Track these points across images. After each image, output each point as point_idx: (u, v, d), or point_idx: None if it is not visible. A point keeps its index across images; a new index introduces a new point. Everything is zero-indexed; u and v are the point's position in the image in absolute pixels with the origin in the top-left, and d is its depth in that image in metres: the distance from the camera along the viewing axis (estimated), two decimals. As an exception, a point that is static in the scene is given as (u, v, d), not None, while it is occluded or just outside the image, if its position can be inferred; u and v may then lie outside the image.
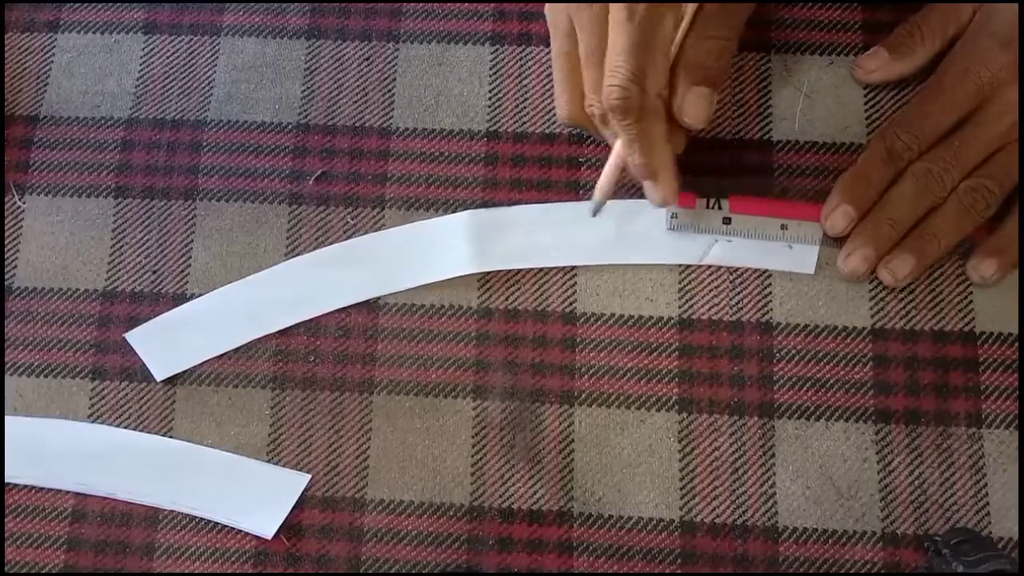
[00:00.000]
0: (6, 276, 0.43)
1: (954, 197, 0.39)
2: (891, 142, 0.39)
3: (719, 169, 0.43)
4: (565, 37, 0.39)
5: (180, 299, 0.43)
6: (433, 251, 0.42)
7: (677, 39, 0.35)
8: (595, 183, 0.40)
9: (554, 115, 0.44)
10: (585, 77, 0.37)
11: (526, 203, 0.43)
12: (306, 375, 0.41)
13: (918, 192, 0.39)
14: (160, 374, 0.41)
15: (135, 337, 0.42)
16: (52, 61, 0.46)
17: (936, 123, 0.39)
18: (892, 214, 0.39)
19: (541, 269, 0.42)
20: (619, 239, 0.42)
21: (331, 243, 0.43)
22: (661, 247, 0.41)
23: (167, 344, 0.41)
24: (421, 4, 0.46)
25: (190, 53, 0.46)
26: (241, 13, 0.47)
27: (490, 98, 0.45)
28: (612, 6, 0.34)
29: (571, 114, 0.39)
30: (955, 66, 0.39)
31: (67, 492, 0.41)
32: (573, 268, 0.42)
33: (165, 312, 0.42)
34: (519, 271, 0.42)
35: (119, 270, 0.43)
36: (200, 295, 0.43)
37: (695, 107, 0.36)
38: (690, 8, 0.35)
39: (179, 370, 0.41)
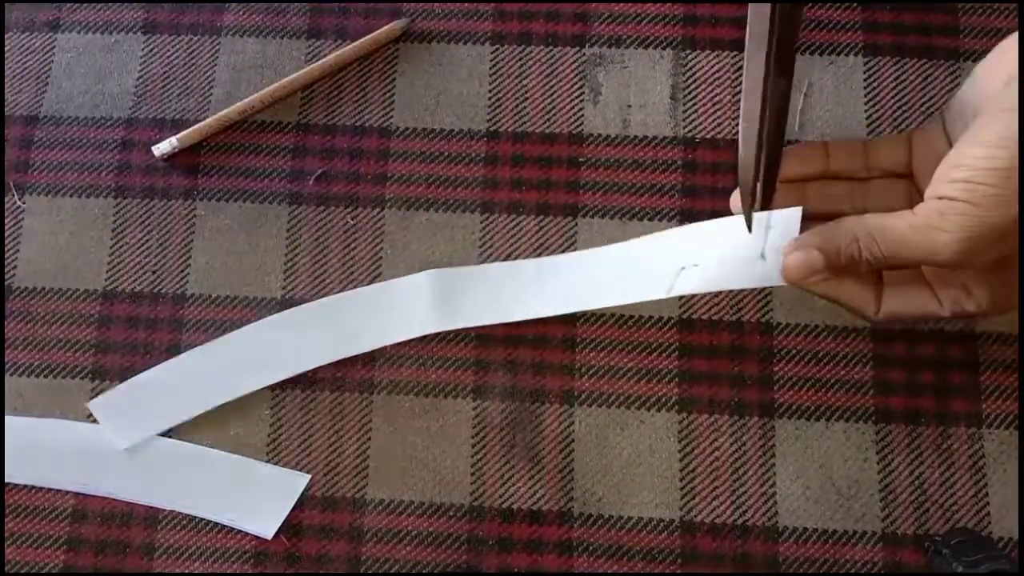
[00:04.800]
0: (6, 276, 0.43)
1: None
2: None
3: (721, 169, 0.43)
4: None
5: (180, 299, 0.43)
6: (395, 312, 0.41)
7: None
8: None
9: (554, 115, 0.44)
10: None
11: (526, 203, 0.43)
12: (306, 375, 0.41)
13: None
14: (122, 443, 0.40)
15: (97, 406, 0.41)
16: (52, 61, 0.46)
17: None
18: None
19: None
20: (581, 287, 0.40)
21: (331, 243, 0.43)
22: (627, 287, 0.39)
23: (130, 412, 0.41)
24: (421, 4, 0.46)
25: (190, 53, 0.46)
26: (241, 13, 0.47)
27: (490, 98, 0.45)
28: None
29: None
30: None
31: (67, 492, 0.41)
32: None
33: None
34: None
35: (119, 270, 0.43)
36: (200, 296, 0.43)
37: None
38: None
39: (141, 439, 0.40)
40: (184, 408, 0.41)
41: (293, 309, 0.42)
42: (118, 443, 0.40)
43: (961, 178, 0.30)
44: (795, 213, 0.34)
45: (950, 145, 0.34)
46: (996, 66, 0.32)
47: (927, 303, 0.33)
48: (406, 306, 0.41)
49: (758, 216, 0.35)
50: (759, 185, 0.35)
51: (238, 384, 0.41)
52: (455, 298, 0.41)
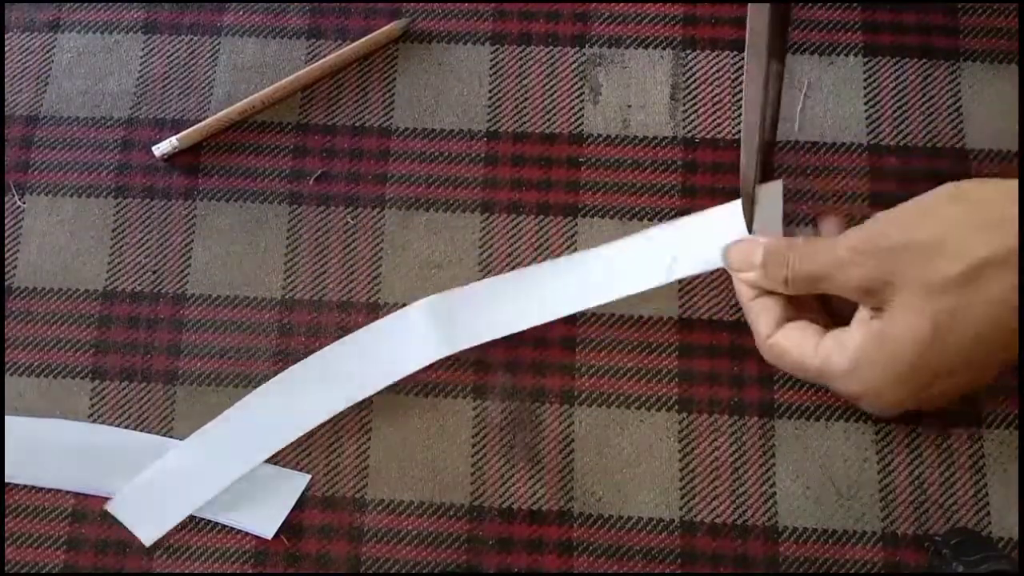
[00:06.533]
0: (6, 276, 0.43)
1: None
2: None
3: (721, 169, 0.43)
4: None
5: (180, 299, 0.43)
6: (397, 350, 0.40)
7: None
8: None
9: (554, 115, 0.44)
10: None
11: (526, 203, 0.43)
12: (306, 375, 0.41)
13: None
14: (149, 539, 0.39)
15: (116, 506, 0.40)
16: (52, 61, 0.46)
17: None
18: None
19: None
20: (580, 287, 0.40)
21: (331, 243, 0.43)
22: (625, 280, 0.39)
23: (148, 508, 0.40)
24: (421, 4, 0.46)
25: (190, 53, 0.46)
26: (241, 13, 0.47)
27: (490, 98, 0.45)
28: None
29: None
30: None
31: (67, 492, 0.41)
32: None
33: (164, 314, 0.42)
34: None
35: (119, 270, 0.43)
36: (200, 296, 0.43)
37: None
38: None
39: (167, 530, 0.40)
40: (199, 492, 0.40)
41: (289, 369, 0.41)
42: (144, 540, 0.39)
43: (879, 214, 0.34)
44: (777, 185, 0.37)
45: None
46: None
47: (805, 343, 0.35)
48: (406, 341, 0.41)
49: (744, 194, 0.37)
50: (756, 176, 0.36)
51: (247, 459, 0.40)
52: (456, 321, 0.41)
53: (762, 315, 0.36)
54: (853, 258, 0.32)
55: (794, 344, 0.35)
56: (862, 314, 0.33)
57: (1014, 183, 0.30)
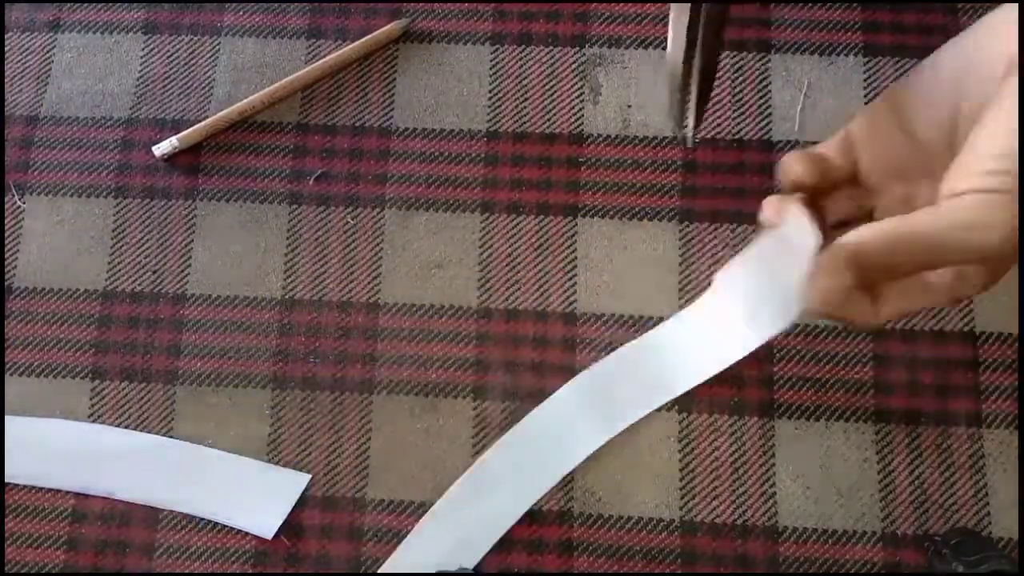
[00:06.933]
0: (6, 276, 0.43)
1: None
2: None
3: (720, 169, 0.43)
4: None
5: (180, 299, 0.43)
6: (552, 446, 0.40)
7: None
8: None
9: (554, 115, 0.44)
10: None
11: (526, 203, 0.43)
12: (306, 375, 0.41)
13: None
14: None
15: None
16: (52, 61, 0.46)
17: None
18: None
19: (541, 268, 0.42)
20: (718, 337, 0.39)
21: (330, 242, 0.43)
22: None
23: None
24: (421, 4, 0.46)
25: (190, 53, 0.46)
26: (241, 13, 0.47)
27: (490, 98, 0.45)
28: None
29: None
30: None
31: (67, 492, 0.41)
32: (574, 267, 0.42)
33: (164, 314, 0.42)
34: (519, 270, 0.42)
35: (119, 270, 0.43)
36: (200, 296, 0.43)
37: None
38: None
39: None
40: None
41: (444, 498, 0.39)
42: None
43: (1001, 169, 0.27)
44: (804, 223, 0.30)
45: (906, 136, 0.31)
46: (1004, 31, 0.29)
47: (925, 298, 0.30)
48: (564, 430, 0.40)
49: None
50: (692, 96, 0.33)
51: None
52: (606, 401, 0.40)
53: (856, 315, 0.30)
54: (977, 218, 0.27)
55: (905, 304, 0.30)
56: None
57: None
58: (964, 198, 0.28)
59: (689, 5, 0.30)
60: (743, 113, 0.43)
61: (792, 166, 0.32)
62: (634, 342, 0.40)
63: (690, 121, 0.34)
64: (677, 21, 0.31)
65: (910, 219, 0.29)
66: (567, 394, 0.40)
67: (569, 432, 0.40)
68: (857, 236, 0.29)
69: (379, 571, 0.39)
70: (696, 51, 0.32)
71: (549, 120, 0.44)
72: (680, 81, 0.32)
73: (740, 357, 0.37)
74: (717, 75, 0.44)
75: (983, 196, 0.27)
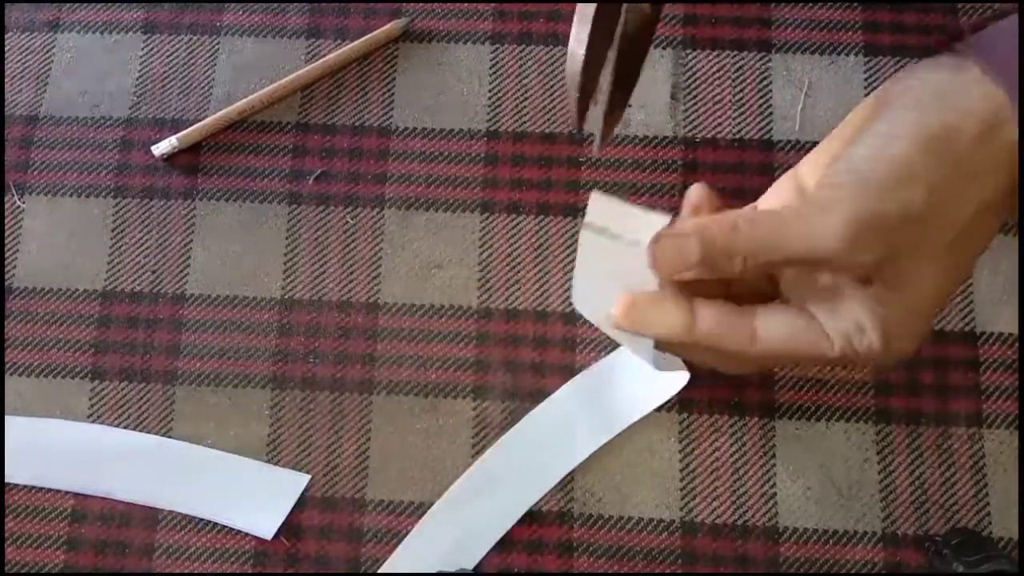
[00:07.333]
0: (6, 276, 0.43)
1: None
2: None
3: (721, 169, 0.43)
4: None
5: (180, 299, 0.43)
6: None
7: None
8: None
9: (554, 115, 0.44)
10: None
11: (526, 203, 0.43)
12: (306, 375, 0.41)
13: None
14: None
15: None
16: (52, 61, 0.46)
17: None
18: None
19: (541, 268, 0.42)
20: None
21: (330, 242, 0.43)
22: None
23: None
24: (421, 4, 0.46)
25: (190, 53, 0.46)
26: (241, 13, 0.46)
27: (490, 98, 0.45)
28: None
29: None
30: None
31: (67, 492, 0.41)
32: (573, 268, 0.42)
33: (164, 314, 0.42)
34: (519, 270, 0.42)
35: (119, 270, 0.43)
36: (199, 296, 0.43)
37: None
38: None
39: None
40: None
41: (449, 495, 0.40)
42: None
43: (847, 168, 0.27)
44: (662, 220, 0.28)
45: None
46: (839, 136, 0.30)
47: (813, 335, 0.29)
48: (564, 431, 0.40)
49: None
50: (603, 102, 0.31)
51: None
52: (606, 399, 0.40)
53: (732, 337, 0.29)
54: (859, 241, 0.27)
55: (790, 333, 0.30)
56: (857, 287, 0.29)
57: (972, 107, 0.28)
58: (812, 192, 0.28)
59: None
60: (743, 113, 0.43)
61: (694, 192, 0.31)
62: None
63: (597, 129, 0.31)
64: (581, 15, 0.29)
65: (765, 208, 0.29)
66: (567, 394, 0.40)
67: (569, 432, 0.40)
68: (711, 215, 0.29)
69: (379, 571, 0.39)
70: (610, 53, 0.30)
71: (549, 120, 0.44)
72: (580, 83, 0.30)
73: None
74: (718, 75, 0.44)
75: (829, 188, 0.27)
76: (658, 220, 0.27)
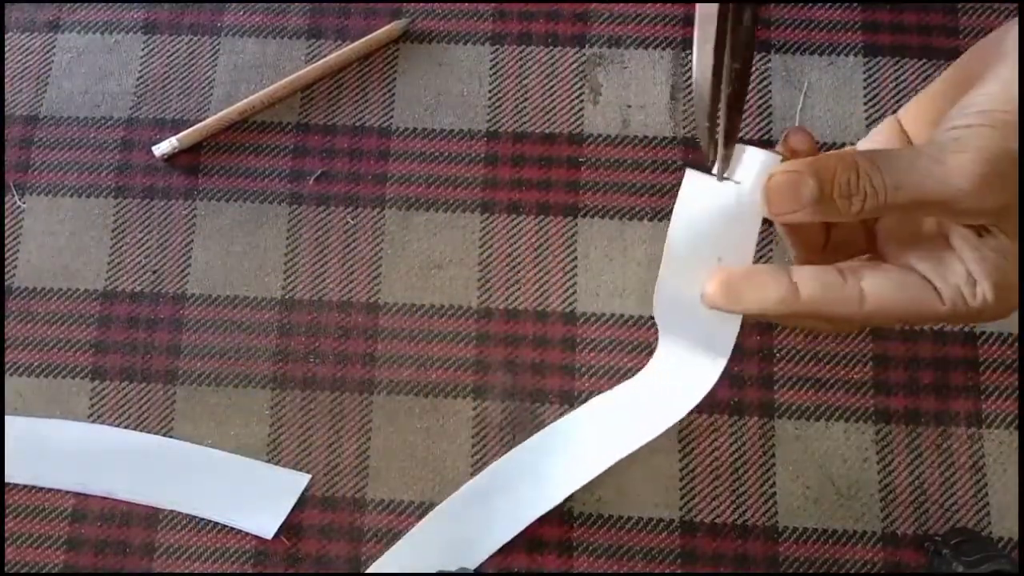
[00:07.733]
0: (6, 276, 0.43)
1: None
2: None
3: (719, 169, 0.43)
4: None
5: (180, 299, 0.43)
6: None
7: None
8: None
9: (554, 115, 0.44)
10: None
11: (526, 203, 0.43)
12: (306, 375, 0.41)
13: None
14: None
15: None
16: (52, 61, 0.46)
17: None
18: None
19: (541, 268, 0.42)
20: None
21: (330, 242, 0.43)
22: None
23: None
24: (421, 4, 0.46)
25: (190, 53, 0.46)
26: (241, 13, 0.47)
27: (490, 98, 0.45)
28: None
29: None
30: None
31: (67, 492, 0.41)
32: (574, 267, 0.42)
33: (164, 314, 0.42)
34: (519, 270, 0.42)
35: (119, 270, 0.43)
36: (200, 296, 0.43)
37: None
38: None
39: None
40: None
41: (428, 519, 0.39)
42: None
43: (977, 110, 0.26)
44: (771, 157, 0.27)
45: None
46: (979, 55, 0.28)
47: (922, 291, 0.27)
48: (574, 451, 0.38)
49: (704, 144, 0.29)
50: (721, 131, 0.30)
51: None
52: (616, 425, 0.37)
53: (838, 302, 0.28)
54: (991, 183, 0.26)
55: (899, 292, 0.28)
56: (969, 237, 0.28)
57: None
58: (939, 134, 0.26)
59: (716, 12, 0.26)
60: (743, 113, 0.43)
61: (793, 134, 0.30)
62: (644, 371, 0.39)
63: (718, 154, 0.29)
64: (703, 31, 0.27)
65: (888, 147, 0.27)
66: (592, 411, 0.38)
67: (586, 450, 0.39)
68: (829, 152, 0.27)
69: (380, 560, 0.39)
70: (723, 73, 0.28)
71: (549, 120, 0.44)
72: (708, 108, 0.28)
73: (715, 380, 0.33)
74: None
75: (958, 130, 0.26)
76: (769, 158, 0.26)
